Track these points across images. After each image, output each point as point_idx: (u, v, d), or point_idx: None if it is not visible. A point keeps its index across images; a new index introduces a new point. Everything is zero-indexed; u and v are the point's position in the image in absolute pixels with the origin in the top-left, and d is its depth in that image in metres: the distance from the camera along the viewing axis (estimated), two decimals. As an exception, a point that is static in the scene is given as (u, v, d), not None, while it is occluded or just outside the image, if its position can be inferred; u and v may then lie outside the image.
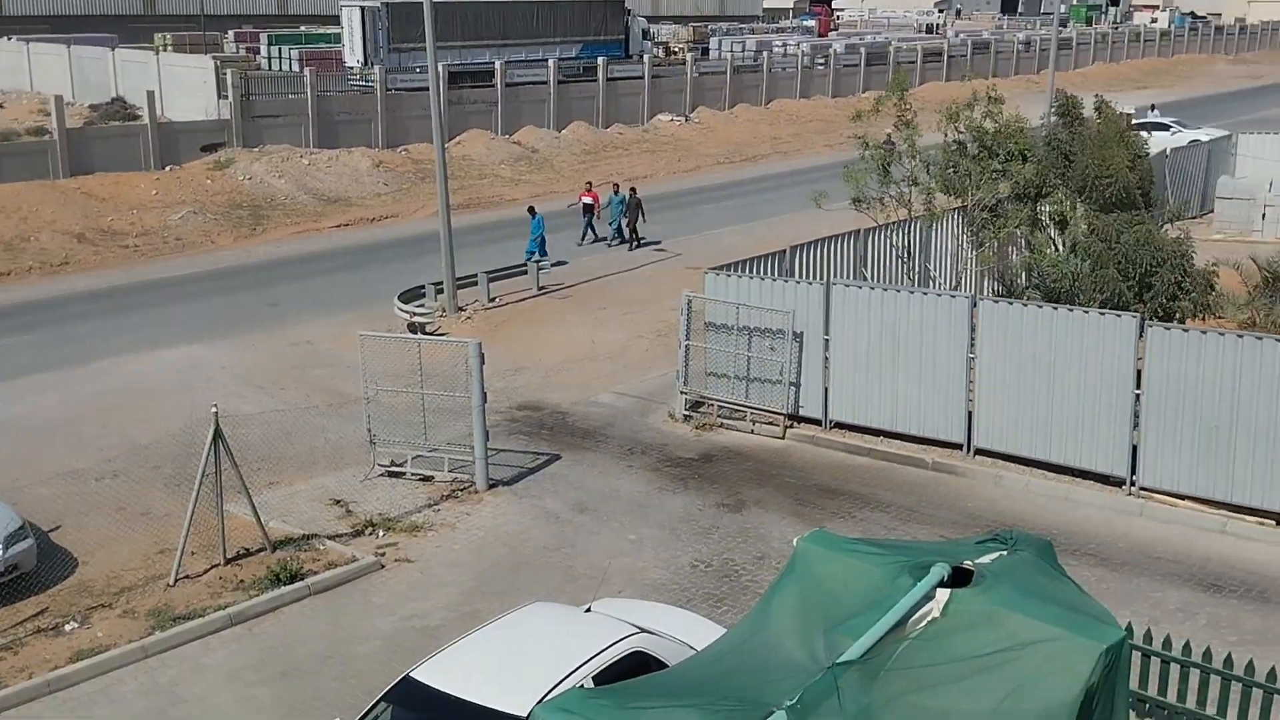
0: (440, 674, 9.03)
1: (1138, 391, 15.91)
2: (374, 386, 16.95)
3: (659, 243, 32.72)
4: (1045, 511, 15.97)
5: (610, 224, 32.89)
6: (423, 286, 26.30)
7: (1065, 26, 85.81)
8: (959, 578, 7.93)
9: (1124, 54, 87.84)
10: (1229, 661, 10.37)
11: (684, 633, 10.17)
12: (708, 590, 13.95)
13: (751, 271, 19.92)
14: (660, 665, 9.05)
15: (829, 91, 65.09)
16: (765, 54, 64.96)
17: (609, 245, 32.57)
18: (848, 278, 21.30)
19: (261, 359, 23.19)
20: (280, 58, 54.17)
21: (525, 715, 7.87)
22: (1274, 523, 15.08)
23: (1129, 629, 9.57)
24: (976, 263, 24.13)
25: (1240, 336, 15.53)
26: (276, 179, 39.58)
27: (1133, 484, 16.14)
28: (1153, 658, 10.59)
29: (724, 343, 19.31)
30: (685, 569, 14.52)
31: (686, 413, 19.64)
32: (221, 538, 14.28)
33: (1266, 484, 15.09)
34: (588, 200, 33.10)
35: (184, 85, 43.59)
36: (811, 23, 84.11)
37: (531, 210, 30.06)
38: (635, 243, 32.50)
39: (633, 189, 33.15)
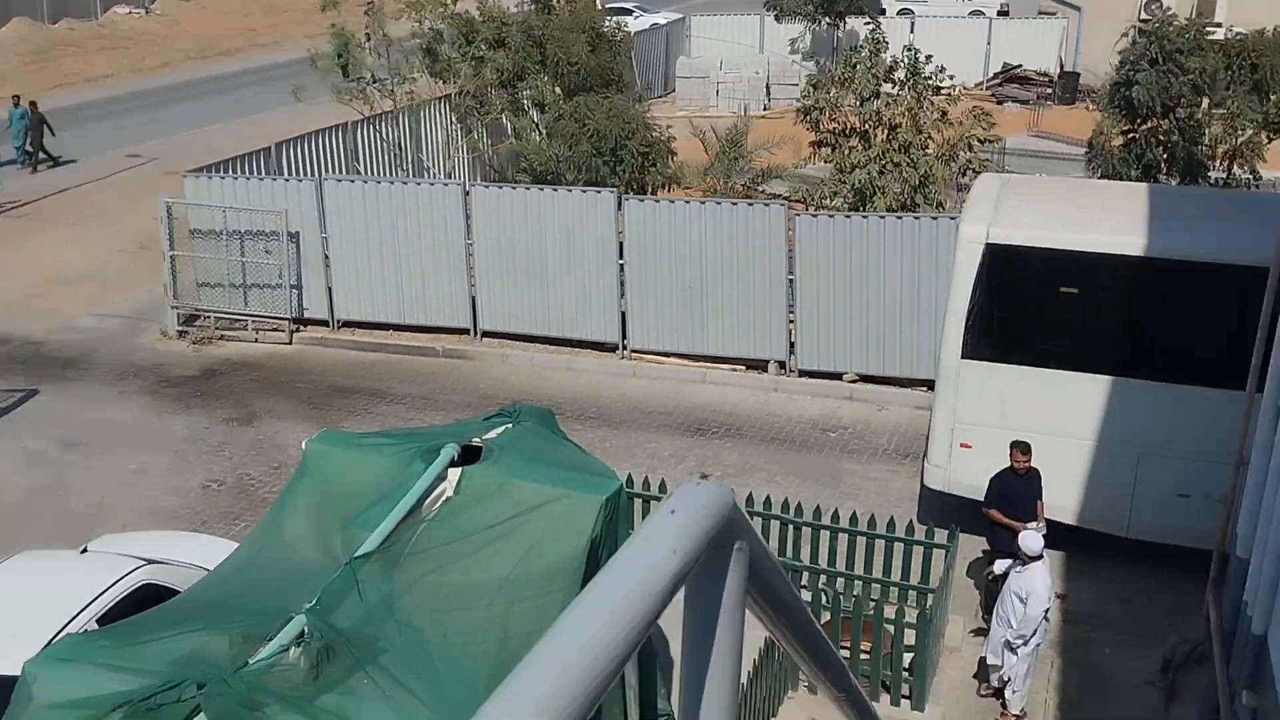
0: (-86, 648, 7.97)
1: (622, 262, 17.04)
2: None
3: (76, 161, 28.67)
4: (550, 383, 16.84)
5: (15, 145, 28.13)
6: None
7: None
8: (470, 456, 8.19)
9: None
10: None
11: (197, 556, 9.70)
12: (224, 509, 13.40)
13: (236, 172, 18.86)
14: (175, 594, 8.59)
15: (303, -20, 62.30)
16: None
17: (19, 168, 27.93)
18: (340, 173, 20.81)
19: None
20: None
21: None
22: (744, 368, 16.94)
23: (628, 479, 10.43)
24: (467, 150, 24.46)
25: (703, 203, 17.05)
26: None
27: (625, 348, 17.39)
28: (649, 501, 11.64)
29: (214, 250, 18.24)
30: (197, 491, 13.83)
31: (181, 328, 18.45)
32: None
33: (734, 335, 16.85)
34: None
35: None
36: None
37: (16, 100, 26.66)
38: (36, 165, 28.01)
39: (33, 103, 28.55)
